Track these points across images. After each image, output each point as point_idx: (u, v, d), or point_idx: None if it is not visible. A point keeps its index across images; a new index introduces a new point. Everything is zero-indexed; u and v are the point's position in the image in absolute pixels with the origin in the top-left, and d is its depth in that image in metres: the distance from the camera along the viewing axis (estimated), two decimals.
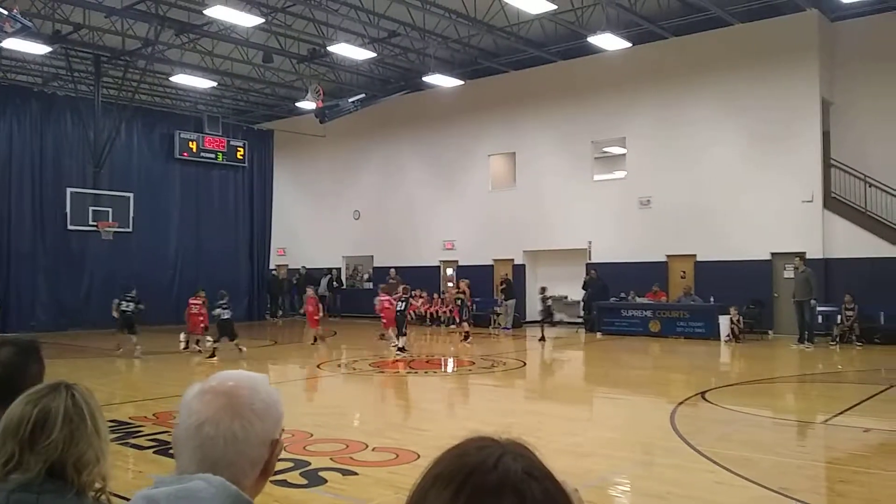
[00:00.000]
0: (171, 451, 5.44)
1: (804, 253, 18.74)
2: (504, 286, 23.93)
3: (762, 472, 6.71)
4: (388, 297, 18.09)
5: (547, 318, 20.61)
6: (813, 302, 17.56)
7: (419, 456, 7.38)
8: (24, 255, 23.19)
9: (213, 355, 16.03)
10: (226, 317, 16.43)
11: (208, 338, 17.30)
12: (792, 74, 19.65)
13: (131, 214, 24.14)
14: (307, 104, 23.94)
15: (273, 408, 1.41)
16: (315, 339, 19.32)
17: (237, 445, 1.33)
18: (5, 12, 15.56)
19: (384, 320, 18.02)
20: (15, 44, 17.56)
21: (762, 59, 20.03)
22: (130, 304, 17.31)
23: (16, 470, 1.82)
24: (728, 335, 18.71)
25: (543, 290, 20.64)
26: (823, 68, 19.64)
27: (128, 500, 2.13)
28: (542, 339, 19.80)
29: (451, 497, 0.86)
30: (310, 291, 20.48)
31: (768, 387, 12.66)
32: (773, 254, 19.92)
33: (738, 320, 18.84)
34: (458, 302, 21.10)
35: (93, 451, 1.91)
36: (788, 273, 19.25)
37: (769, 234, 19.78)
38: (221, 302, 16.56)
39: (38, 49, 19.35)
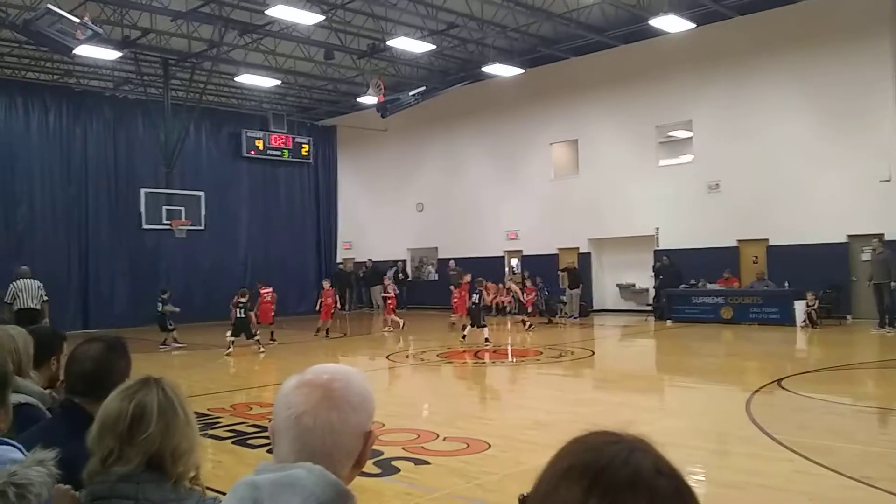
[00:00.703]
0: (248, 441, 5.61)
1: (882, 234, 18.06)
2: (568, 274, 23.65)
3: (843, 460, 6.52)
4: (392, 285, 21.63)
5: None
6: (893, 285, 16.88)
7: (489, 445, 7.41)
8: (102, 254, 24.16)
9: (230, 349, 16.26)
10: (241, 315, 16.68)
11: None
12: (864, 50, 18.90)
13: (202, 213, 24.81)
14: (369, 99, 24.16)
15: (367, 400, 1.46)
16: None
17: (334, 436, 1.38)
18: (77, 20, 16.11)
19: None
20: (87, 50, 18.16)
21: (832, 36, 19.33)
22: (160, 304, 18.13)
23: (116, 463, 1.91)
24: (804, 321, 18.18)
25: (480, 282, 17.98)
26: None
27: (210, 489, 2.21)
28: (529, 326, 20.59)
29: (584, 491, 0.86)
30: (389, 281, 21.93)
31: (847, 373, 12.26)
32: (849, 236, 19.23)
33: (815, 305, 18.28)
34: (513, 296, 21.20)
35: (187, 442, 1.99)
36: (866, 256, 18.55)
37: (845, 215, 19.10)
38: (242, 300, 16.84)
39: (109, 55, 19.98)
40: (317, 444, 1.36)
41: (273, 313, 18.40)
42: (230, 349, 16.29)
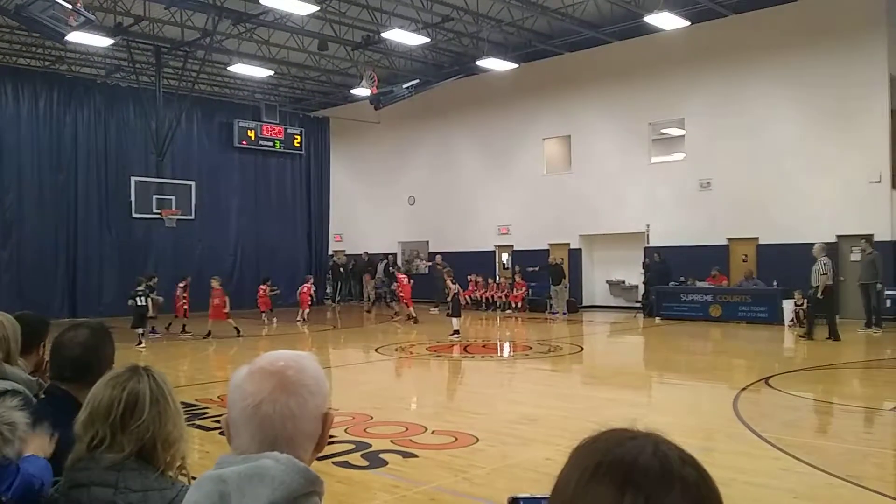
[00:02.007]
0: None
1: (871, 235, 18.17)
2: (547, 271, 23.34)
3: (829, 459, 6.56)
4: (405, 276, 21.91)
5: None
6: (879, 286, 17.00)
7: (477, 439, 7.42)
8: (91, 243, 24.02)
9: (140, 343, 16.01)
10: (141, 304, 16.35)
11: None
12: (858, 50, 18.96)
13: (193, 202, 24.69)
14: (362, 91, 24.08)
15: (322, 383, 1.45)
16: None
17: (295, 422, 1.37)
18: (69, 6, 15.97)
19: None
20: (79, 37, 18.01)
21: (826, 36, 19.39)
22: (142, 298, 17.10)
23: (108, 450, 1.90)
24: (792, 320, 18.27)
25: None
26: (891, 43, 18.89)
27: (196, 479, 2.21)
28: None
29: (618, 487, 0.86)
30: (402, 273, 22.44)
31: (834, 373, 12.34)
32: (838, 236, 19.33)
33: (803, 304, 18.36)
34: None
35: (176, 431, 1.99)
36: (855, 256, 18.64)
37: (835, 216, 19.20)
38: (138, 289, 16.53)
39: (101, 41, 19.83)
40: (278, 431, 1.35)
41: (226, 311, 18.21)
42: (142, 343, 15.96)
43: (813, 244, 16.88)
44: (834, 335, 15.44)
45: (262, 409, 1.36)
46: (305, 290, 22.74)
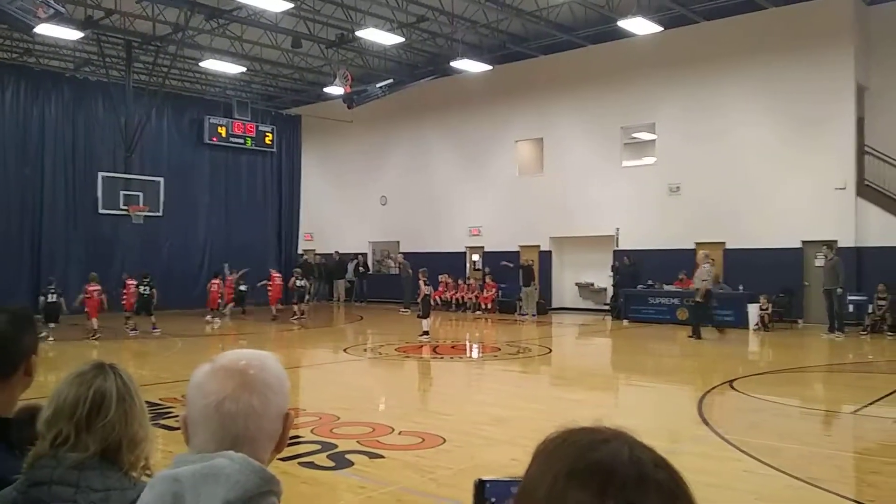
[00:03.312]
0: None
1: (835, 241, 18.49)
2: (521, 272, 23.47)
3: (790, 461, 6.67)
4: (278, 274, 23.08)
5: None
6: (840, 290, 17.31)
7: (444, 440, 7.43)
8: (56, 238, 23.63)
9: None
10: (52, 300, 17.22)
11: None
12: (826, 59, 19.29)
13: (161, 199, 24.42)
14: (335, 89, 24.00)
15: (284, 383, 1.44)
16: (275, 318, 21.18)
17: (257, 420, 1.36)
18: None
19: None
20: (48, 29, 17.74)
21: (795, 44, 19.69)
22: (146, 287, 18.46)
23: (72, 449, 1.86)
24: (757, 324, 18.53)
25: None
26: (858, 53, 19.26)
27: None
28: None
29: (596, 493, 0.85)
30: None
31: (797, 376, 12.54)
32: (804, 242, 19.64)
33: (768, 309, 18.65)
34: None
35: (143, 430, 1.96)
36: (819, 262, 18.98)
37: (800, 221, 19.50)
38: (49, 287, 17.70)
39: (71, 34, 19.54)
40: (239, 430, 1.34)
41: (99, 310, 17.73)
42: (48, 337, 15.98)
43: (778, 249, 17.25)
44: (696, 334, 16.89)
45: (224, 406, 1.34)
46: (273, 284, 22.77)
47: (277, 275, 23.38)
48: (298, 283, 21.78)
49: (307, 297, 22.80)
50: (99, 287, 17.80)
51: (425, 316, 17.10)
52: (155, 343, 16.85)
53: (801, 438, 7.82)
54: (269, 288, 22.87)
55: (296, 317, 21.34)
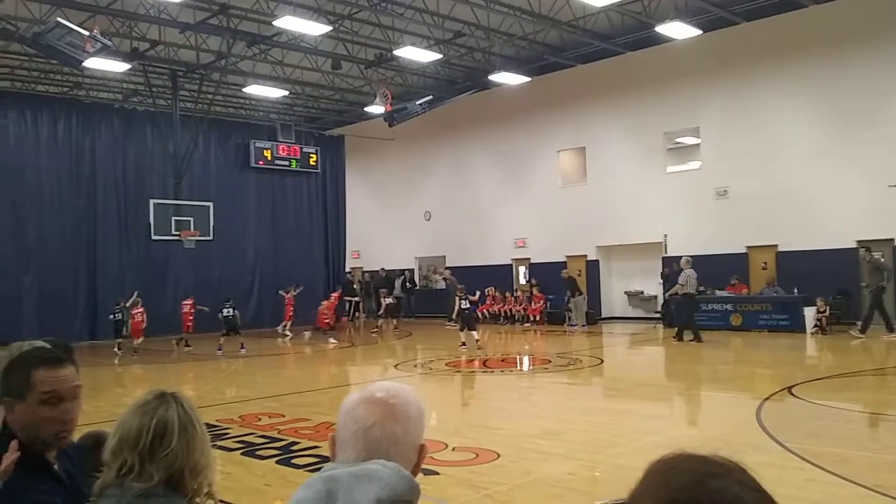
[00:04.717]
0: (257, 452, 5.59)
1: (891, 240, 17.99)
2: (566, 283, 23.25)
3: (855, 468, 6.47)
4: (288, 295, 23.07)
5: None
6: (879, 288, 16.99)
7: (498, 455, 7.38)
8: (111, 265, 24.20)
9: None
10: (118, 317, 19.44)
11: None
12: (872, 54, 18.84)
13: (211, 223, 24.88)
14: (376, 108, 24.23)
15: (422, 415, 1.59)
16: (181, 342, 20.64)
17: (397, 447, 1.50)
18: (86, 33, 16.24)
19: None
20: (96, 63, 18.31)
21: (840, 40, 19.29)
22: (230, 309, 19.64)
23: (137, 479, 1.90)
24: (814, 327, 18.08)
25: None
26: None
27: (220, 500, 2.20)
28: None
29: None
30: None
31: (859, 380, 12.18)
32: (858, 242, 19.13)
33: (825, 312, 18.18)
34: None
35: (205, 458, 1.99)
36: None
37: (854, 221, 19.00)
38: (117, 307, 19.74)
39: (118, 67, 20.12)
40: (382, 454, 1.47)
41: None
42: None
43: (832, 250, 16.88)
44: (679, 337, 17.65)
45: (371, 432, 1.49)
46: (326, 305, 22.40)
47: (335, 294, 23.55)
48: (386, 301, 21.72)
49: (399, 312, 23.28)
50: (142, 309, 19.53)
51: (463, 328, 17.70)
52: (242, 362, 17.26)
53: (865, 445, 7.59)
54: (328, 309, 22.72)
55: (393, 329, 21.31)
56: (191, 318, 20.18)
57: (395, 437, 1.50)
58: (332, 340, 20.49)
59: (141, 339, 19.23)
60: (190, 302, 20.22)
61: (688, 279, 17.93)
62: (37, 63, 22.46)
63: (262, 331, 24.21)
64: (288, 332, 22.54)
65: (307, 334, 21.93)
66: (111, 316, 20.04)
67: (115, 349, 19.03)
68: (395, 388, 1.59)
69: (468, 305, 18.16)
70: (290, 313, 23.03)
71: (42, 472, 2.19)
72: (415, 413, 1.56)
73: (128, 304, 19.67)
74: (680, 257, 21.67)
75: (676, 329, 18.15)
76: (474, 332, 17.60)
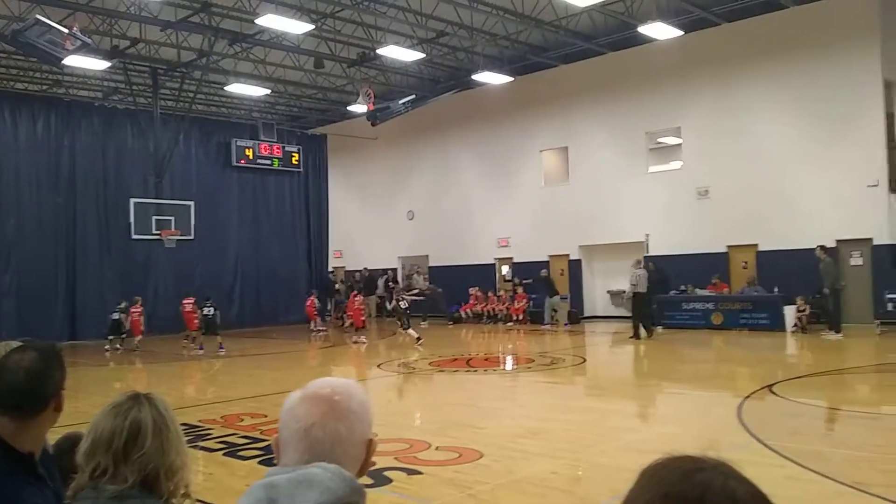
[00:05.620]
0: (239, 453, 5.57)
1: (870, 239, 18.15)
2: (544, 284, 23.35)
3: (835, 466, 6.54)
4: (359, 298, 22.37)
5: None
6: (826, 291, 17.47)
7: (482, 455, 7.39)
8: (90, 265, 23.99)
9: None
10: (116, 317, 19.69)
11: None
12: (852, 56, 19.03)
13: (192, 222, 24.71)
14: (359, 107, 24.17)
15: (368, 410, 1.53)
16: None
17: (342, 445, 1.45)
18: (66, 31, 16.07)
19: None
20: (76, 60, 18.11)
21: (820, 41, 19.48)
22: (210, 308, 19.94)
23: (111, 481, 1.88)
24: (794, 326, 18.25)
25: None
26: (885, 48, 18.97)
27: (200, 501, 2.19)
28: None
29: None
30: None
31: (839, 378, 12.31)
32: (838, 241, 19.31)
33: (805, 311, 18.34)
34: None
35: (180, 459, 1.97)
36: (855, 260, 18.69)
37: (833, 221, 19.17)
38: (118, 307, 19.96)
39: (98, 64, 19.93)
40: (326, 453, 1.42)
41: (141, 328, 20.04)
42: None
43: (813, 249, 17.05)
44: (636, 335, 18.40)
45: (312, 431, 1.43)
46: (358, 302, 21.69)
47: (359, 298, 22.33)
48: (402, 304, 20.48)
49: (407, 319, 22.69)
50: (141, 308, 19.79)
51: (407, 327, 19.12)
52: (223, 362, 17.16)
53: (845, 442, 7.67)
54: (351, 311, 21.97)
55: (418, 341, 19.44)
56: (194, 316, 19.71)
57: (338, 436, 1.44)
58: (362, 339, 20.61)
59: (140, 337, 19.58)
60: (191, 301, 19.81)
61: (638, 279, 18.75)
62: (16, 61, 22.21)
63: (243, 331, 24.09)
64: (363, 339, 20.81)
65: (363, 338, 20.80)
66: (111, 315, 20.16)
67: (107, 347, 19.29)
68: (337, 383, 1.53)
69: (406, 305, 19.78)
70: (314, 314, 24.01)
71: (30, 473, 2.16)
72: (358, 407, 1.50)
73: (131, 307, 19.84)
74: (659, 257, 22.00)
75: (633, 327, 18.73)
76: (411, 330, 18.83)
